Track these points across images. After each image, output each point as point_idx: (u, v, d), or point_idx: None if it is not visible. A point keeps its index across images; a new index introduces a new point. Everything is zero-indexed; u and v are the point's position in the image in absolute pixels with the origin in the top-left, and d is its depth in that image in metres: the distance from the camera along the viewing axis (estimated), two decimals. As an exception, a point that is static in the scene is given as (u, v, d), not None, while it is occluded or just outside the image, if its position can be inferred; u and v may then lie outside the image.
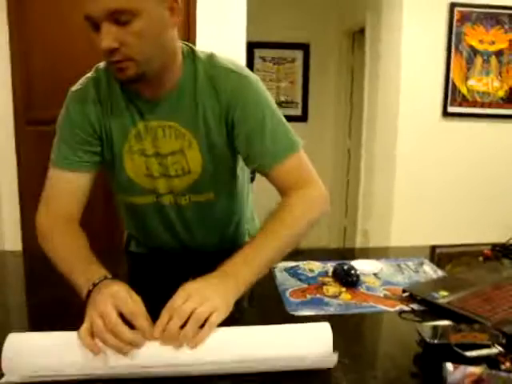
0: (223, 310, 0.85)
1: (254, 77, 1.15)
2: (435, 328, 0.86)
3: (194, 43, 2.76)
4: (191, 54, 1.13)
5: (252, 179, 3.55)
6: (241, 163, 1.28)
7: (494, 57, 3.01)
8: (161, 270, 1.29)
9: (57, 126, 1.17)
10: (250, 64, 4.49)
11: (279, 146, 1.12)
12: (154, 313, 0.83)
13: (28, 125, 2.72)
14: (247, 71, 1.15)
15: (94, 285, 0.90)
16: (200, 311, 0.81)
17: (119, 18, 0.92)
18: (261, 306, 1.07)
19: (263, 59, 4.62)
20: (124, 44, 0.95)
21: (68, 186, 1.15)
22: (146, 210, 1.27)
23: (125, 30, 0.94)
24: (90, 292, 0.89)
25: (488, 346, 0.80)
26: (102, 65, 1.16)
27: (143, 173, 1.18)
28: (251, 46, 4.37)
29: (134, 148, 1.15)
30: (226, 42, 2.83)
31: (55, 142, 1.17)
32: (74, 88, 1.16)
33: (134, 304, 0.84)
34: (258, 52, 4.57)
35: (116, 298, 0.83)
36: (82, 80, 1.16)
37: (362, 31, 3.99)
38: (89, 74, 1.17)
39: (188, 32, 2.75)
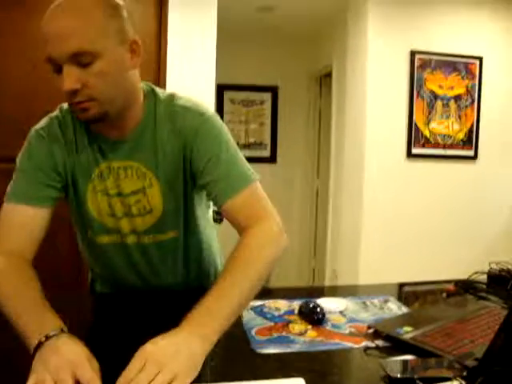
0: (186, 375, 0.78)
1: (211, 113, 1.17)
2: (399, 363, 0.87)
3: (165, 85, 2.80)
4: (152, 94, 1.15)
5: (221, 220, 3.56)
6: (203, 200, 1.29)
7: (453, 101, 3.15)
8: (126, 311, 1.26)
9: (17, 161, 1.14)
10: (220, 106, 4.56)
11: (232, 180, 1.11)
12: (120, 360, 0.80)
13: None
14: (205, 108, 1.17)
15: (47, 337, 0.82)
16: (157, 381, 0.74)
17: (80, 60, 0.94)
18: (226, 344, 1.05)
19: (232, 101, 4.70)
20: (86, 85, 0.96)
21: (23, 221, 1.08)
22: (109, 249, 1.24)
23: (86, 71, 0.95)
24: (39, 343, 0.81)
25: (450, 379, 0.81)
26: (65, 105, 1.15)
27: (106, 212, 1.17)
28: (221, 89, 4.45)
29: (98, 188, 1.15)
30: (195, 84, 2.88)
31: (14, 178, 1.13)
32: (37, 126, 1.15)
33: (92, 373, 0.77)
34: (227, 94, 4.66)
35: (75, 364, 0.77)
36: (46, 119, 1.16)
37: (329, 75, 4.13)
38: (52, 114, 1.16)
39: (158, 74, 2.80)
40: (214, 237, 1.50)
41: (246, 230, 1.07)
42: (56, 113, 1.17)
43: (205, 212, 1.35)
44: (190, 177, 1.17)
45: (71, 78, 0.94)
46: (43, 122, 1.16)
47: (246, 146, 4.70)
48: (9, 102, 2.71)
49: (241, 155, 1.18)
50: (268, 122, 4.79)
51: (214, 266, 1.45)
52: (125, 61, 1.03)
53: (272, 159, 4.78)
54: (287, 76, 4.78)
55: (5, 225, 1.09)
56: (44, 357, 0.79)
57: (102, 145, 1.13)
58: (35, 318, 0.88)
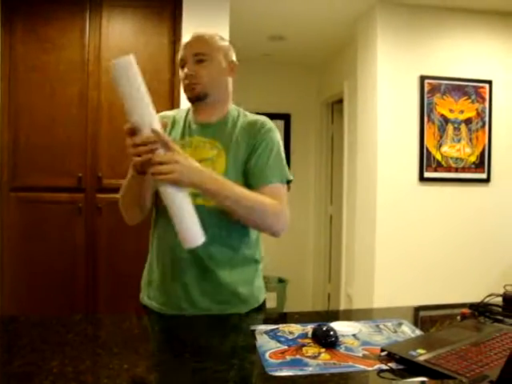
0: (179, 175, 1.20)
1: (274, 125, 1.54)
2: (412, 384, 0.87)
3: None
4: (236, 107, 1.61)
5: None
6: None
7: (463, 124, 3.17)
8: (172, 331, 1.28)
9: None
10: (233, 133, 4.61)
11: (273, 173, 1.46)
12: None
13: (12, 191, 2.74)
14: (270, 121, 1.55)
15: None
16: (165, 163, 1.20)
17: (198, 58, 1.47)
18: (240, 366, 1.06)
19: (246, 128, 4.75)
20: (197, 73, 1.47)
21: None
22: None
23: (199, 65, 1.47)
24: None
25: (463, 401, 0.81)
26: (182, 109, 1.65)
27: None
28: (234, 116, 4.51)
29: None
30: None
31: None
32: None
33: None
34: (240, 122, 4.71)
35: None
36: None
37: (340, 101, 4.18)
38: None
39: (172, 101, 2.87)
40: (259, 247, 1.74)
41: None
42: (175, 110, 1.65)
43: None
44: (248, 159, 1.48)
45: (191, 66, 1.47)
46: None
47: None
48: (29, 132, 2.80)
49: (285, 160, 1.52)
50: (281, 148, 4.82)
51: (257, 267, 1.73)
52: (223, 68, 1.54)
53: (285, 185, 4.79)
54: (299, 103, 4.84)
55: None
56: None
57: (192, 125, 1.53)
58: None
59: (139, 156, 1.20)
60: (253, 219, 1.41)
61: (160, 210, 1.50)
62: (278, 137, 1.53)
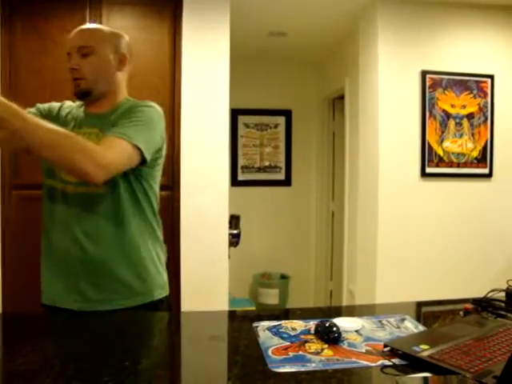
0: None
1: (157, 108, 1.51)
2: (415, 380, 0.87)
3: (179, 110, 2.86)
4: (133, 99, 1.55)
5: (237, 243, 3.57)
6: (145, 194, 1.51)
7: (465, 119, 3.16)
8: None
9: None
10: (234, 130, 4.62)
11: (122, 130, 1.38)
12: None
13: (13, 189, 2.74)
14: (155, 104, 1.52)
15: None
16: None
17: (82, 51, 1.44)
18: (243, 363, 1.06)
19: (247, 125, 4.75)
20: (81, 67, 1.44)
21: None
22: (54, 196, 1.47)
23: (84, 59, 1.45)
24: None
25: (467, 396, 0.81)
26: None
27: None
28: (235, 113, 4.51)
29: None
30: (210, 109, 2.93)
31: None
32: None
33: None
34: (241, 118, 4.71)
35: None
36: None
37: (341, 97, 4.16)
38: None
39: (173, 99, 2.86)
40: (148, 240, 1.54)
41: None
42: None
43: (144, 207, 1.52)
44: None
45: (75, 59, 1.45)
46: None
47: (260, 170, 4.74)
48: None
49: (150, 134, 1.44)
50: (282, 145, 4.82)
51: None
52: (111, 63, 1.50)
53: (287, 182, 4.80)
54: (300, 99, 4.83)
55: None
56: None
57: (82, 116, 1.52)
58: None
59: None
60: (55, 153, 1.26)
61: (46, 211, 1.51)
62: (154, 115, 1.48)
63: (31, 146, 1.24)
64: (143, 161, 1.42)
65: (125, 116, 1.44)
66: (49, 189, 1.49)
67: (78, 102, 1.60)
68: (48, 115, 1.52)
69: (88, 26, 1.52)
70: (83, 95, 1.49)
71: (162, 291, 1.54)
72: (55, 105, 1.60)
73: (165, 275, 1.59)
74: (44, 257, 1.53)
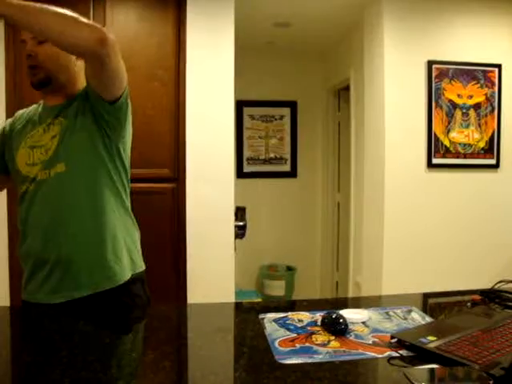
0: None
1: None
2: (423, 371, 0.86)
3: (184, 102, 2.85)
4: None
5: (242, 235, 3.57)
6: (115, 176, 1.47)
7: (472, 110, 3.13)
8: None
9: None
10: (240, 122, 4.61)
11: None
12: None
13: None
14: None
15: None
16: None
17: (38, 38, 1.35)
18: (250, 355, 1.06)
19: (252, 117, 4.74)
20: (37, 54, 1.37)
21: None
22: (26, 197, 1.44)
23: (40, 46, 1.37)
24: None
25: (475, 388, 0.80)
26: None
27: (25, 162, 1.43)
28: (240, 105, 4.50)
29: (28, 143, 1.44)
30: (215, 101, 2.92)
31: None
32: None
33: None
34: (246, 110, 4.70)
35: None
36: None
37: (347, 88, 4.14)
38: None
39: (178, 91, 2.85)
40: (122, 225, 1.49)
41: None
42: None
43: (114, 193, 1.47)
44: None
45: (33, 46, 1.37)
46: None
47: (266, 161, 4.72)
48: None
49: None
50: (288, 136, 4.81)
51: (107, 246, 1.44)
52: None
53: (292, 174, 4.78)
54: (305, 90, 4.81)
55: None
56: None
57: (42, 112, 1.48)
58: None
59: None
60: (63, 28, 1.23)
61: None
62: None
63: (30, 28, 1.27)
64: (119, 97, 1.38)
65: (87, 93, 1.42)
66: (21, 195, 1.46)
67: (39, 102, 1.55)
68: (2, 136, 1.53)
69: None
70: (41, 85, 1.42)
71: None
72: (5, 124, 1.56)
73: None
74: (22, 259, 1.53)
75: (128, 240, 1.49)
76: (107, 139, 1.44)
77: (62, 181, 1.40)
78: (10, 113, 2.77)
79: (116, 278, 1.41)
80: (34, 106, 1.56)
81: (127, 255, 1.47)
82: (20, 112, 1.58)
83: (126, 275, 1.44)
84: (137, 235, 1.55)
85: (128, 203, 1.52)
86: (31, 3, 1.20)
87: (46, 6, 1.22)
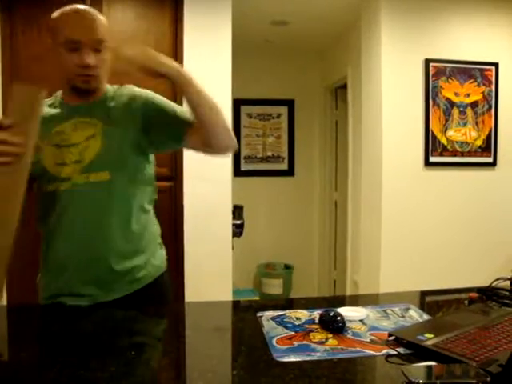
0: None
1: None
2: (420, 368, 0.87)
3: (181, 100, 2.84)
4: (112, 86, 1.52)
5: (240, 233, 3.56)
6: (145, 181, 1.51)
7: (469, 108, 3.13)
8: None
9: None
10: (237, 120, 4.61)
11: (185, 113, 1.49)
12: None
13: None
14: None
15: None
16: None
17: (98, 46, 1.34)
18: (248, 353, 1.06)
19: (249, 115, 4.74)
20: (96, 64, 1.35)
21: None
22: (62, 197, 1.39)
23: (97, 56, 1.34)
24: None
25: (473, 385, 0.81)
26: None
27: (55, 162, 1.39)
28: (237, 103, 4.50)
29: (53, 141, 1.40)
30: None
31: None
32: None
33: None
34: (244, 109, 4.70)
35: None
36: None
37: (344, 86, 4.14)
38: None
39: (175, 90, 2.85)
40: (153, 220, 1.57)
41: None
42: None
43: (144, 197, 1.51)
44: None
45: (91, 56, 1.33)
46: None
47: (263, 160, 4.73)
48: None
49: None
50: (285, 135, 4.81)
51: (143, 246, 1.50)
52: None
53: (290, 172, 4.79)
54: (303, 89, 4.81)
55: None
56: None
57: (65, 109, 1.44)
58: None
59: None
60: (221, 120, 1.42)
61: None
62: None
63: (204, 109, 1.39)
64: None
65: (152, 104, 1.46)
66: (47, 193, 1.41)
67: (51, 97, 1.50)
68: None
69: (90, 12, 1.38)
70: (89, 92, 1.42)
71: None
72: None
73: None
74: (48, 259, 1.48)
75: (158, 232, 1.57)
76: (148, 150, 1.49)
77: (104, 188, 1.40)
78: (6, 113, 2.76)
79: (160, 267, 1.52)
80: (46, 100, 1.48)
81: (160, 245, 1.57)
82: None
83: (164, 264, 1.56)
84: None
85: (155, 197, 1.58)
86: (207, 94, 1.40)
87: (215, 103, 1.40)
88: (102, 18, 1.39)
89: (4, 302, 2.62)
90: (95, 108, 1.44)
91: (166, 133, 1.47)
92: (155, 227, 1.56)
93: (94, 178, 1.38)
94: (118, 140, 1.42)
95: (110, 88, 1.50)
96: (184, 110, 1.47)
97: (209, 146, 1.44)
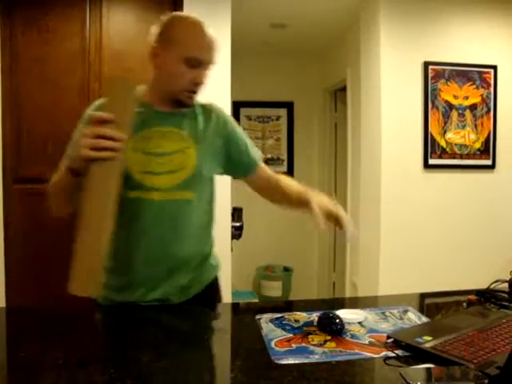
0: None
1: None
2: (418, 371, 0.87)
3: (181, 103, 2.85)
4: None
5: (239, 236, 3.55)
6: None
7: (468, 111, 3.14)
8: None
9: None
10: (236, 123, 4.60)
11: (256, 153, 1.64)
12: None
13: (15, 183, 2.74)
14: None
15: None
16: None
17: (208, 67, 1.39)
18: (246, 355, 1.06)
19: (249, 118, 4.74)
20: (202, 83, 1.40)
21: None
22: (138, 205, 1.37)
23: (205, 74, 1.40)
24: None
25: (471, 387, 0.81)
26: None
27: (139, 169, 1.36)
28: (237, 105, 4.50)
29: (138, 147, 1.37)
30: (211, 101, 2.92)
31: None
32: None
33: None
34: (243, 111, 4.70)
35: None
36: None
37: (343, 89, 4.15)
38: None
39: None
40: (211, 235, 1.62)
41: None
42: None
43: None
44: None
45: (206, 76, 1.40)
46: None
47: (263, 162, 4.72)
48: (31, 124, 2.79)
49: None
50: (284, 137, 4.81)
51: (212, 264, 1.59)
52: None
53: (289, 174, 4.75)
54: (302, 91, 4.82)
55: None
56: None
57: (150, 114, 1.41)
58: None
59: (96, 150, 1.08)
60: None
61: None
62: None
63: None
64: None
65: (234, 133, 1.55)
66: (131, 201, 1.36)
67: None
68: None
69: (212, 33, 1.42)
70: (189, 105, 1.44)
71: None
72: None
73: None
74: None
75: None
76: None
77: (185, 206, 1.42)
78: (5, 115, 2.76)
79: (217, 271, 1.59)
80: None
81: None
82: (102, 101, 1.43)
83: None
84: None
85: None
86: None
87: None
88: (217, 41, 1.43)
89: (3, 303, 2.63)
90: (184, 119, 1.44)
91: (234, 167, 1.55)
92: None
93: (180, 196, 1.40)
94: (209, 163, 1.46)
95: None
96: (255, 149, 1.60)
97: (266, 196, 1.73)
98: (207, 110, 1.51)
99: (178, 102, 1.40)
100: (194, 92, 1.39)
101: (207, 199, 1.50)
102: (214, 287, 1.56)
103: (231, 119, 1.57)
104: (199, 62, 1.36)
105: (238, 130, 1.57)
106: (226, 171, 1.56)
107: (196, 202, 1.44)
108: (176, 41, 1.35)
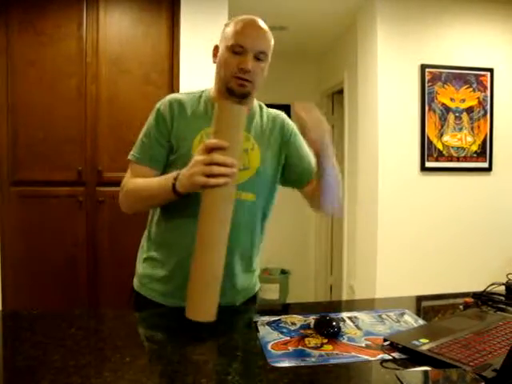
0: None
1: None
2: (415, 374, 0.86)
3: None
4: (259, 103, 1.61)
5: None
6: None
7: (465, 113, 3.15)
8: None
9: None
10: (233, 125, 4.60)
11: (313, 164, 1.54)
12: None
13: (12, 185, 2.73)
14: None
15: (175, 178, 1.23)
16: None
17: (259, 56, 1.41)
18: (242, 358, 1.06)
19: (246, 120, 4.73)
20: (253, 71, 1.40)
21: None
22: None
23: (257, 63, 1.40)
24: (175, 180, 1.23)
25: (467, 390, 0.80)
26: (207, 90, 1.55)
27: None
28: (234, 108, 4.49)
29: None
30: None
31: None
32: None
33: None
34: (240, 113, 4.69)
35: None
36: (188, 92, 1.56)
37: (340, 91, 4.15)
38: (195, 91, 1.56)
39: (171, 93, 2.85)
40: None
41: None
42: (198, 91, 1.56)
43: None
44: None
45: (252, 63, 1.39)
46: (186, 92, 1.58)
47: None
48: (28, 127, 2.78)
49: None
50: (281, 139, 4.81)
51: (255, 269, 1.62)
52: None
53: (286, 177, 4.78)
54: (299, 94, 4.81)
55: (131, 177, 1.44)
56: (183, 176, 1.21)
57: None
58: (160, 178, 1.32)
59: (209, 177, 1.14)
60: (337, 192, 1.48)
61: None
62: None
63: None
64: None
65: (297, 140, 1.56)
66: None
67: (191, 92, 1.55)
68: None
69: (262, 25, 1.47)
70: (242, 96, 1.43)
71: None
72: (163, 113, 1.46)
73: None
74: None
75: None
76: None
77: (247, 207, 1.44)
78: (2, 117, 2.76)
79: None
80: (191, 96, 1.53)
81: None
82: (174, 97, 1.51)
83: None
84: None
85: None
86: None
87: (339, 175, 1.47)
88: (270, 34, 1.48)
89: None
90: (250, 121, 1.47)
91: (295, 176, 1.56)
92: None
93: (242, 197, 1.41)
94: (271, 167, 1.49)
95: (255, 104, 1.57)
96: (313, 160, 1.51)
97: (311, 202, 1.61)
98: (274, 116, 1.57)
99: (230, 91, 1.42)
100: (243, 79, 1.40)
101: (266, 206, 1.53)
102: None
103: (297, 130, 1.55)
104: (242, 49, 1.39)
105: (302, 140, 1.55)
106: (287, 180, 1.58)
107: (256, 206, 1.47)
108: (227, 34, 1.44)
